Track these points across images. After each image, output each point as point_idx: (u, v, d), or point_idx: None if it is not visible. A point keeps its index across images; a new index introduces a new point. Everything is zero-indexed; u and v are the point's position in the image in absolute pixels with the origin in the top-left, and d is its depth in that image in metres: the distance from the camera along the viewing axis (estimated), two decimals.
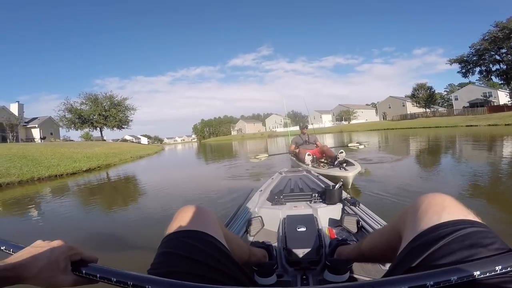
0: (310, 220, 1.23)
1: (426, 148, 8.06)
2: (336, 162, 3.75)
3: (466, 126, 18.96)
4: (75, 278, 0.46)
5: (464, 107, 32.19)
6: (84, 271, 0.46)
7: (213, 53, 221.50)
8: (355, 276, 0.90)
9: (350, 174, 3.20)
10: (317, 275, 0.92)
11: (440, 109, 40.48)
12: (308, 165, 4.00)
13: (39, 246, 0.46)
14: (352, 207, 1.47)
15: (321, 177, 2.40)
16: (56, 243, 0.47)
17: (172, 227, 0.62)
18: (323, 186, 1.85)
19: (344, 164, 3.62)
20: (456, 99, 36.29)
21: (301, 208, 1.50)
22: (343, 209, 1.48)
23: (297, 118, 75.81)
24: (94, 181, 6.40)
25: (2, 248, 0.54)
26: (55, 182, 6.36)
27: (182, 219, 0.64)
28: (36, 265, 0.42)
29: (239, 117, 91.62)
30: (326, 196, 1.58)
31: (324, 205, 1.54)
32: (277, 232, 1.34)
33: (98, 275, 0.45)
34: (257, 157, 6.58)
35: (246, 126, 77.18)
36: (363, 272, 0.92)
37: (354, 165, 3.57)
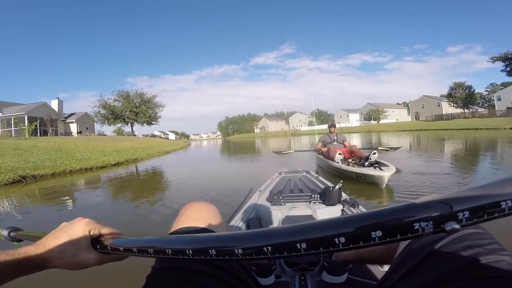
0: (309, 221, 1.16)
1: (463, 151, 7.41)
2: (367, 163, 3.65)
3: (510, 128, 17.29)
4: (98, 255, 0.44)
5: (508, 108, 29.42)
6: (106, 246, 0.43)
7: (236, 52, 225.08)
8: (353, 277, 0.89)
9: (386, 174, 3.17)
10: (315, 276, 0.92)
11: (480, 109, 37.40)
12: (338, 163, 3.96)
13: (62, 227, 0.45)
14: (351, 208, 1.48)
15: (320, 178, 2.38)
16: (75, 220, 0.46)
17: (178, 224, 0.62)
18: (323, 187, 1.85)
19: (376, 165, 3.55)
20: (499, 99, 33.25)
21: (300, 209, 1.51)
22: (342, 210, 1.48)
23: (322, 117, 74.24)
24: (120, 176, 6.63)
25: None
26: (85, 175, 6.68)
27: (188, 216, 0.64)
28: (58, 244, 0.42)
29: (262, 115, 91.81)
30: (325, 197, 1.58)
31: (323, 206, 1.54)
32: None
33: (121, 248, 0.41)
34: (283, 152, 7.24)
35: (269, 124, 77.08)
36: (361, 273, 0.92)
37: (388, 166, 3.48)
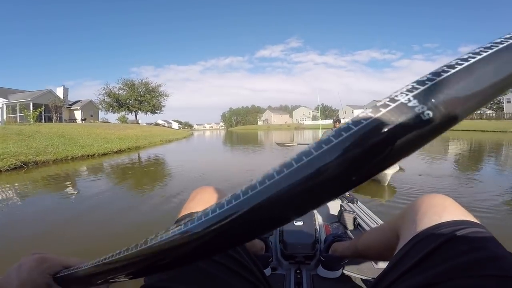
0: (307, 215, 1.18)
1: (468, 153, 7.31)
2: None
3: None
4: None
5: None
6: (75, 280, 0.32)
7: (241, 43, 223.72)
8: (348, 272, 0.90)
9: (389, 171, 3.13)
10: (311, 270, 0.93)
11: (488, 111, 36.76)
12: None
13: (9, 275, 0.34)
14: (349, 204, 1.49)
15: None
16: (22, 262, 0.35)
17: (188, 208, 0.61)
18: None
19: None
20: (509, 101, 32.56)
21: None
22: (341, 206, 1.47)
23: (327, 112, 73.78)
24: (121, 163, 6.67)
25: None
26: (87, 161, 6.73)
27: (200, 200, 0.62)
28: None
29: (266, 108, 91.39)
30: None
31: None
32: None
33: (92, 279, 0.30)
34: (285, 144, 7.17)
35: (272, 117, 76.82)
36: (356, 269, 0.92)
37: None
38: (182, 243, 0.19)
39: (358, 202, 1.52)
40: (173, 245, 0.19)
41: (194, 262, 0.21)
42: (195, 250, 0.19)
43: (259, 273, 0.56)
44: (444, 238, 0.41)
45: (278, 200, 0.15)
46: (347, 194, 1.61)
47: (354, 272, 0.91)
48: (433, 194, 0.52)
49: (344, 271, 0.89)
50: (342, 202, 1.54)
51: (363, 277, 0.89)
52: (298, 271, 0.92)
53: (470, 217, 0.45)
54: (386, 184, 3.20)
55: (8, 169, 5.07)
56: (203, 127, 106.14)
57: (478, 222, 0.44)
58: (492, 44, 0.14)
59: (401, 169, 4.01)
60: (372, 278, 0.87)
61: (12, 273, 0.34)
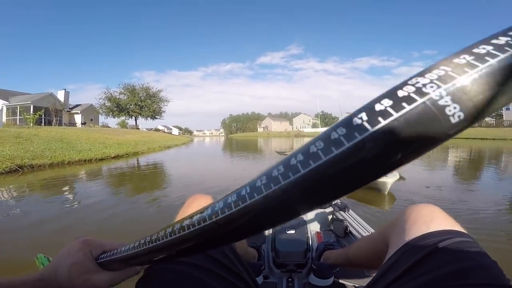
0: (299, 223, 1.24)
1: (467, 161, 7.28)
2: None
3: None
4: (110, 274, 0.38)
5: None
6: (113, 262, 0.37)
7: (242, 50, 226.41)
8: (340, 281, 0.90)
9: (389, 180, 3.10)
10: (303, 278, 0.93)
11: (487, 119, 36.90)
12: None
13: (60, 256, 0.40)
14: (341, 212, 1.49)
15: None
16: (71, 244, 0.41)
17: (183, 214, 0.60)
18: None
19: None
20: (508, 109, 32.72)
21: None
22: (332, 214, 1.49)
23: (326, 119, 74.02)
24: (118, 169, 6.61)
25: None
26: (84, 166, 6.66)
27: (195, 207, 0.61)
28: (64, 275, 0.36)
29: (266, 115, 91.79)
30: None
31: None
32: (265, 233, 1.33)
33: (128, 258, 0.33)
34: (286, 152, 7.14)
35: (272, 124, 77.11)
36: (348, 277, 0.93)
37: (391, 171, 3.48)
38: (228, 219, 0.18)
39: (350, 210, 1.52)
40: (218, 223, 0.19)
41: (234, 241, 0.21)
42: (240, 228, 0.18)
43: (251, 281, 0.56)
44: (431, 248, 0.41)
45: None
46: (338, 202, 1.62)
47: (346, 280, 0.92)
48: (422, 204, 0.52)
49: (336, 279, 0.90)
50: (333, 210, 1.54)
51: (355, 285, 0.89)
52: (290, 279, 0.92)
53: (457, 227, 0.46)
54: (386, 193, 3.18)
55: (3, 172, 5.02)
56: (203, 133, 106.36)
57: (465, 231, 0.45)
58: None
59: (401, 177, 3.97)
60: (364, 286, 0.86)
61: (63, 255, 0.38)
